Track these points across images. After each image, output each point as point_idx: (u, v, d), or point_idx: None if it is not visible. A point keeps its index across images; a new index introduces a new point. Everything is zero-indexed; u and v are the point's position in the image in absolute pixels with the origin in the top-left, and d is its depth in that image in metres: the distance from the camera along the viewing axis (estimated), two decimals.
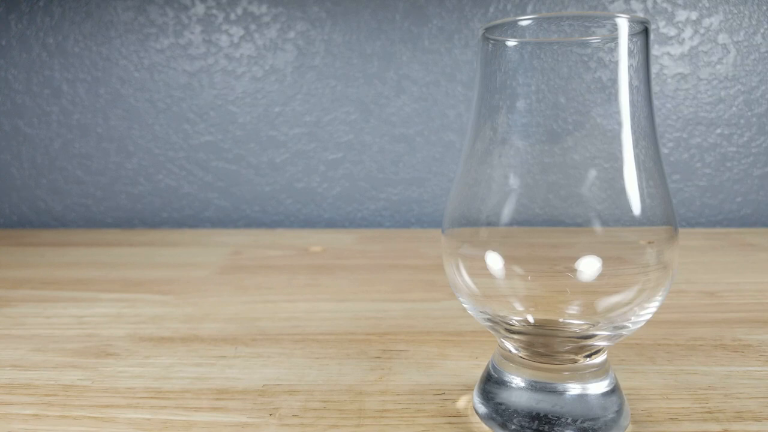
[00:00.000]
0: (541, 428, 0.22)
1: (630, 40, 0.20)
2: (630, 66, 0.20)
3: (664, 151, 0.70)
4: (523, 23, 0.21)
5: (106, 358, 0.31)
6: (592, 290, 0.21)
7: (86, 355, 0.32)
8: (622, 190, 0.20)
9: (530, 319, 0.22)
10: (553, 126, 0.21)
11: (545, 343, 0.22)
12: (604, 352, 0.23)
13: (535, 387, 0.23)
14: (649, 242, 0.21)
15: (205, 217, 0.74)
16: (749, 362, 0.30)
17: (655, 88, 0.68)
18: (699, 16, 0.67)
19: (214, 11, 0.69)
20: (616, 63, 0.20)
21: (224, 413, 0.25)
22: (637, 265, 0.21)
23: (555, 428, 0.22)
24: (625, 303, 0.21)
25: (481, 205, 0.22)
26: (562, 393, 0.22)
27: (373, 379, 0.28)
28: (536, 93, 0.21)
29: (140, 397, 0.27)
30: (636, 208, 0.20)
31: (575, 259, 0.21)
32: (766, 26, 0.67)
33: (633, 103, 0.21)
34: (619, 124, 0.20)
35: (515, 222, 0.21)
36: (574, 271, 0.21)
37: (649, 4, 0.67)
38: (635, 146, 0.21)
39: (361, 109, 0.71)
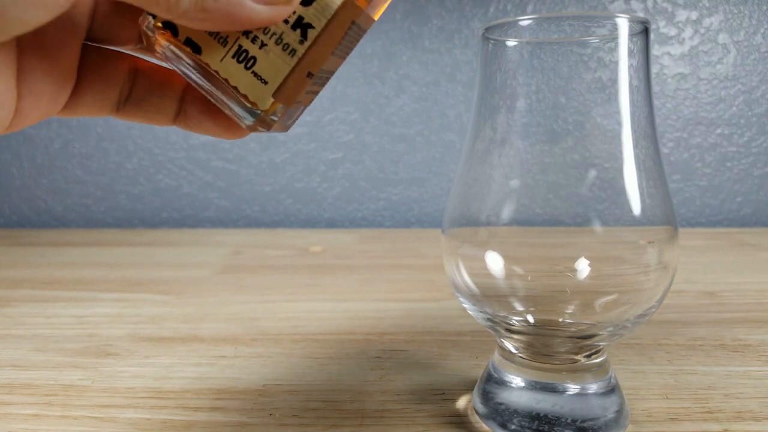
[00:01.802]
0: (540, 428, 0.22)
1: (630, 40, 0.20)
2: (630, 66, 0.20)
3: (664, 151, 0.70)
4: (523, 23, 0.21)
5: (106, 358, 0.31)
6: (592, 290, 0.21)
7: (86, 355, 0.32)
8: (622, 190, 0.20)
9: (530, 319, 0.22)
10: (553, 126, 0.21)
11: (545, 343, 0.22)
12: (604, 352, 0.23)
13: (534, 387, 0.23)
14: (649, 242, 0.21)
15: (205, 217, 0.74)
16: (749, 362, 0.30)
17: (655, 88, 0.68)
18: (699, 16, 0.67)
19: None
20: (616, 63, 0.20)
21: (224, 413, 0.25)
22: (637, 265, 0.21)
23: (555, 428, 0.22)
24: (625, 303, 0.21)
25: (481, 205, 0.22)
26: (561, 393, 0.22)
27: (373, 379, 0.28)
28: (536, 93, 0.21)
29: (140, 397, 0.27)
30: (636, 208, 0.20)
31: (575, 259, 0.21)
32: (766, 26, 0.67)
33: (633, 103, 0.21)
34: (619, 124, 0.21)
35: (515, 222, 0.21)
36: (574, 271, 0.21)
37: (649, 4, 0.67)
38: (635, 146, 0.21)
39: (361, 109, 0.71)
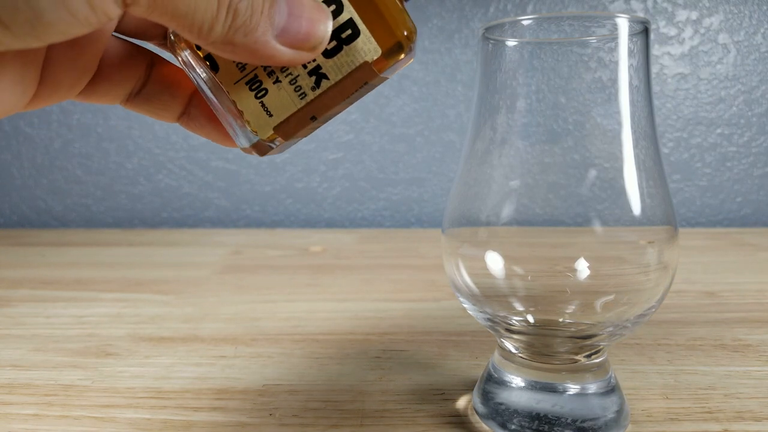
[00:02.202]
0: (540, 428, 0.22)
1: (630, 40, 0.20)
2: (630, 66, 0.20)
3: (664, 151, 0.70)
4: (523, 23, 0.21)
5: (106, 358, 0.31)
6: (592, 290, 0.21)
7: (86, 355, 0.32)
8: (622, 190, 0.20)
9: (530, 319, 0.22)
10: (553, 126, 0.21)
11: (545, 343, 0.22)
12: (604, 351, 0.23)
13: (535, 387, 0.23)
14: (649, 242, 0.21)
15: (205, 217, 0.74)
16: (749, 362, 0.30)
17: (655, 88, 0.68)
18: (699, 16, 0.67)
19: None
20: (616, 63, 0.20)
21: (224, 413, 0.25)
22: (637, 265, 0.21)
23: (555, 428, 0.22)
24: (625, 303, 0.21)
25: (481, 205, 0.22)
26: (562, 393, 0.22)
27: (373, 379, 0.28)
28: (536, 93, 0.21)
29: (140, 397, 0.27)
30: (636, 208, 0.20)
31: (575, 259, 0.21)
32: (766, 26, 0.67)
33: (633, 103, 0.21)
34: (619, 124, 0.20)
35: (515, 222, 0.21)
36: (574, 271, 0.21)
37: (649, 4, 0.67)
38: (635, 146, 0.21)
39: (361, 109, 0.71)
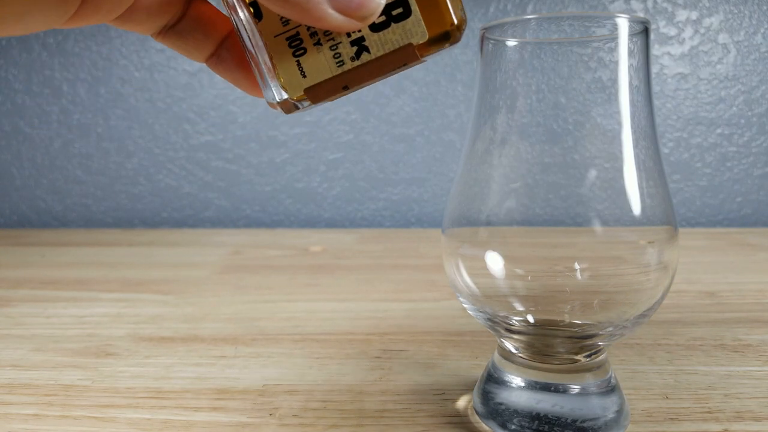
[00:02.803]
0: (540, 428, 0.22)
1: (630, 40, 0.20)
2: (630, 66, 0.20)
3: (664, 151, 0.70)
4: (523, 23, 0.21)
5: (106, 358, 0.31)
6: (592, 290, 0.21)
7: (86, 355, 0.32)
8: (622, 190, 0.20)
9: (530, 319, 0.22)
10: (553, 126, 0.21)
11: (545, 343, 0.22)
12: (604, 351, 0.23)
13: (535, 387, 0.23)
14: (649, 242, 0.21)
15: (205, 217, 0.74)
16: (749, 362, 0.30)
17: (655, 88, 0.68)
18: (699, 16, 0.67)
19: None
20: (617, 63, 0.20)
21: (224, 413, 0.25)
22: (637, 265, 0.21)
23: (555, 428, 0.22)
24: (625, 303, 0.21)
25: (481, 205, 0.22)
26: (562, 393, 0.22)
27: (373, 379, 0.28)
28: (536, 93, 0.21)
29: (140, 397, 0.27)
30: (636, 208, 0.20)
31: (575, 259, 0.21)
32: (766, 26, 0.67)
33: (633, 103, 0.21)
34: (619, 124, 0.20)
35: (515, 222, 0.21)
36: (574, 271, 0.21)
37: (649, 4, 0.67)
38: (635, 146, 0.21)
39: (361, 109, 0.71)
